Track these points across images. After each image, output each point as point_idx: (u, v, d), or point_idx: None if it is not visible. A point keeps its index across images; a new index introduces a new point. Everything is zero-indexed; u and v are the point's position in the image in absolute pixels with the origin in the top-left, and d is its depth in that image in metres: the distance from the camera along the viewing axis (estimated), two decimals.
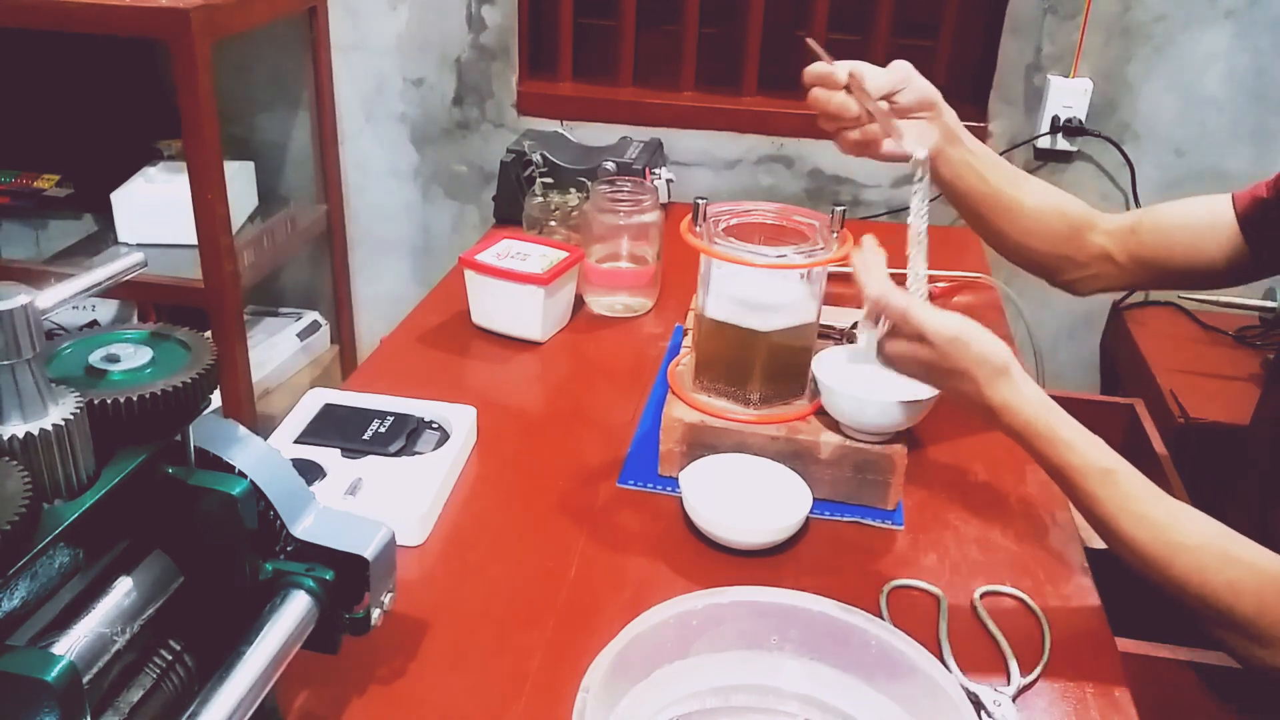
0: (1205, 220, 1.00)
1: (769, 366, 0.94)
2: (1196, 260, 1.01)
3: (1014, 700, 0.73)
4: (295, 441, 0.95)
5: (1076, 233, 1.06)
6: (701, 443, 0.93)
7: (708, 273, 0.94)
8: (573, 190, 1.40)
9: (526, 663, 0.75)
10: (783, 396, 0.96)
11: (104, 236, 1.87)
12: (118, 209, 1.81)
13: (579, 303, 1.28)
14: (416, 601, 0.79)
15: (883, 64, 0.96)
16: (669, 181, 1.59)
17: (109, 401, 0.49)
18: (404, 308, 1.36)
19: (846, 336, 1.13)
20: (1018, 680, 0.75)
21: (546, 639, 0.77)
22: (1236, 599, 0.72)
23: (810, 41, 0.98)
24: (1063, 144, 1.82)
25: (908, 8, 1.86)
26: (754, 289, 0.93)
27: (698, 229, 0.93)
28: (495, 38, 1.93)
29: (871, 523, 0.92)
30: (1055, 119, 1.79)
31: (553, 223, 1.36)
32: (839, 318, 1.15)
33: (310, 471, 0.90)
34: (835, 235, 0.92)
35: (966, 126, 1.03)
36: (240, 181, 1.92)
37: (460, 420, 0.99)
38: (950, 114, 1.00)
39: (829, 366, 0.93)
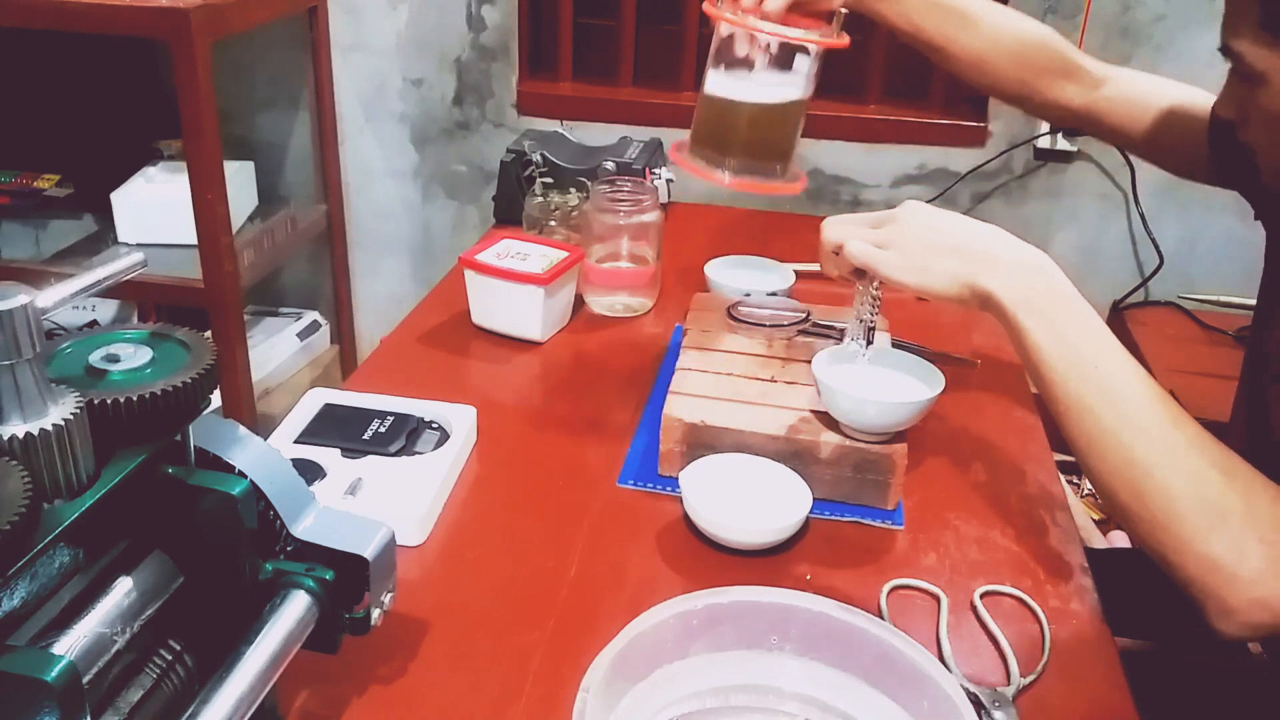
0: (1176, 110, 1.05)
1: (749, 138, 0.98)
2: (1155, 142, 1.07)
3: (1014, 700, 0.73)
4: (295, 441, 0.95)
5: (1044, 73, 1.10)
6: (701, 443, 0.94)
7: (715, 51, 0.98)
8: (573, 190, 1.40)
9: (526, 663, 0.75)
10: (759, 173, 1.01)
11: (104, 236, 1.87)
12: (118, 209, 1.81)
13: (579, 303, 1.28)
14: (416, 601, 0.79)
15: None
16: (669, 181, 1.58)
17: (109, 401, 0.49)
18: (404, 308, 1.36)
19: (846, 336, 1.13)
20: (1018, 680, 0.75)
21: (546, 639, 0.77)
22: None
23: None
24: (1063, 144, 1.82)
25: None
26: (750, 67, 0.96)
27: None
28: (495, 38, 1.93)
29: (871, 523, 0.92)
30: None
31: (553, 223, 1.36)
32: (839, 318, 1.15)
33: (310, 471, 0.90)
34: (837, 36, 0.97)
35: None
36: (240, 181, 1.92)
37: (460, 420, 0.99)
38: None
39: (829, 366, 0.93)
